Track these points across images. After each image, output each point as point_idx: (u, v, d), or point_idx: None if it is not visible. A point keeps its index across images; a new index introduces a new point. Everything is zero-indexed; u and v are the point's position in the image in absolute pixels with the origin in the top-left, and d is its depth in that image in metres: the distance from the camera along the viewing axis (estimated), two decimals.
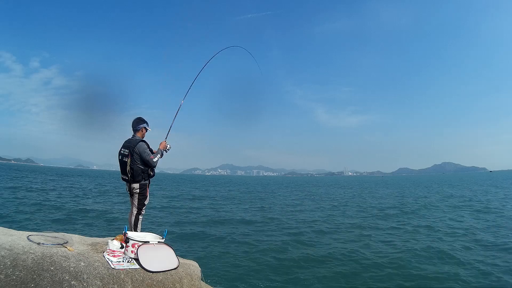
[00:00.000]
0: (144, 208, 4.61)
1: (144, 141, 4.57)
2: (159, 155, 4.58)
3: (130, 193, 4.56)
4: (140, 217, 4.60)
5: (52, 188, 30.97)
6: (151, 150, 4.58)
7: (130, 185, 4.49)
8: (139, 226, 4.60)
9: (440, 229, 13.55)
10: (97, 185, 41.30)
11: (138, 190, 4.47)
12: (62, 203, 19.62)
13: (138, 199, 4.50)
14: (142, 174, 4.45)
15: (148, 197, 4.66)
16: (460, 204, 23.14)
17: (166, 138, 4.86)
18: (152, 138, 4.87)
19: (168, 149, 4.79)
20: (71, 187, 34.59)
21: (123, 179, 4.52)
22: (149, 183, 4.65)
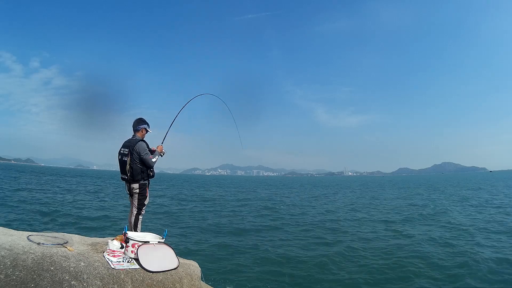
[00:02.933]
0: (144, 208, 4.62)
1: (144, 141, 4.60)
2: (157, 156, 4.63)
3: (129, 193, 4.58)
4: (140, 217, 4.60)
5: (52, 188, 30.98)
6: (150, 150, 4.61)
7: (129, 185, 4.50)
8: (139, 226, 4.61)
9: None
10: (97, 185, 41.31)
11: (137, 190, 4.49)
12: (62, 203, 19.62)
13: (138, 199, 4.52)
14: (142, 174, 4.46)
15: (148, 197, 4.67)
16: None
17: (162, 143, 4.90)
18: (151, 137, 4.91)
19: (163, 154, 4.85)
20: (71, 187, 34.59)
21: (123, 179, 4.53)
22: (148, 183, 4.66)
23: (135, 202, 4.53)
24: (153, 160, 4.51)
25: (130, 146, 4.44)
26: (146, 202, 4.64)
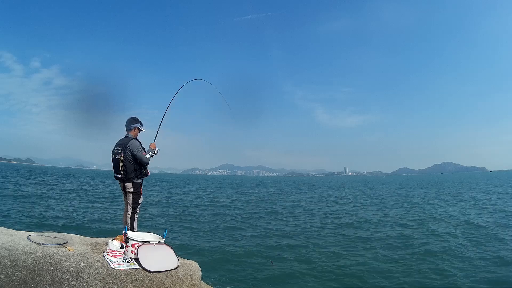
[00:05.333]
0: (139, 207, 4.61)
1: (137, 139, 4.62)
2: (151, 153, 4.62)
3: (124, 192, 4.59)
4: (136, 216, 4.59)
5: (52, 188, 30.98)
6: (143, 149, 4.63)
7: (123, 184, 4.51)
8: (135, 225, 4.59)
9: None
10: (97, 185, 41.29)
11: (131, 189, 4.50)
12: (62, 203, 19.62)
13: (133, 198, 4.53)
14: (135, 172, 4.48)
15: (142, 196, 4.66)
16: None
17: (154, 141, 4.86)
18: (145, 136, 4.93)
19: (157, 152, 4.78)
20: (71, 187, 34.59)
21: (116, 178, 4.54)
22: (142, 182, 4.67)
23: (130, 202, 4.55)
24: (147, 156, 4.51)
25: (123, 144, 4.47)
26: (140, 201, 4.63)
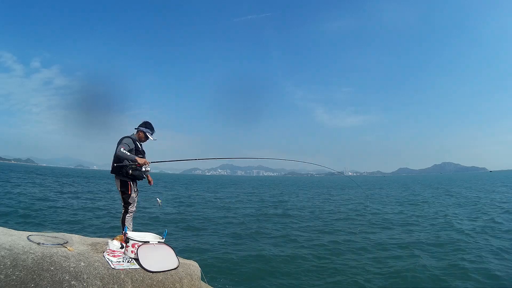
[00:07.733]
0: (130, 207, 4.51)
1: (132, 138, 4.58)
2: (130, 156, 4.36)
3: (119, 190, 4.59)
4: (128, 216, 4.50)
5: (52, 188, 30.98)
6: (137, 150, 4.58)
7: (115, 180, 4.53)
8: (131, 226, 4.53)
9: None
10: (97, 185, 41.30)
11: (119, 188, 4.48)
12: (62, 203, 19.62)
13: (122, 197, 4.51)
14: (125, 167, 4.38)
15: (132, 196, 4.52)
16: None
17: (150, 162, 4.66)
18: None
19: (146, 170, 4.52)
20: (71, 187, 34.60)
21: (112, 172, 4.51)
22: (132, 183, 4.53)
23: (121, 201, 4.55)
24: (123, 150, 4.30)
25: (121, 139, 4.54)
26: (131, 201, 4.51)
